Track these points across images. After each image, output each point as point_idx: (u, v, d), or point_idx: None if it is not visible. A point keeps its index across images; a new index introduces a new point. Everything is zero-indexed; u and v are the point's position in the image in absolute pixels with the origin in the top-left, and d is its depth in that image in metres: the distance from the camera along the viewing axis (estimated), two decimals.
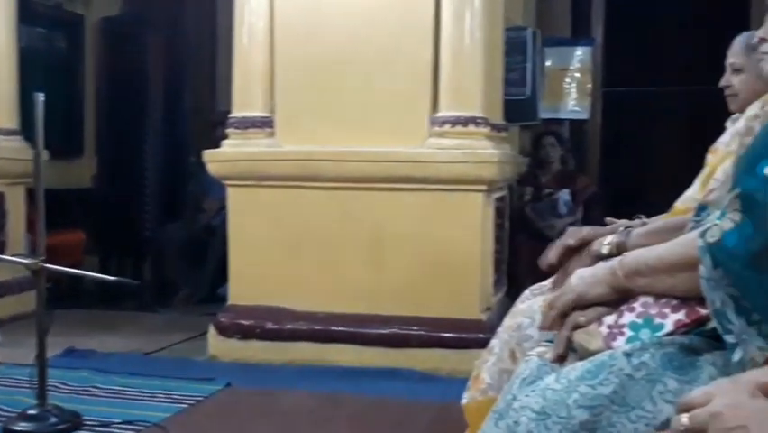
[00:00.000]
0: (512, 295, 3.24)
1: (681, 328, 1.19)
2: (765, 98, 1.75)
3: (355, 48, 3.58)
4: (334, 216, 3.65)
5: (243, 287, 3.77)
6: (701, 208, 1.37)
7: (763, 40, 1.71)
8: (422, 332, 3.54)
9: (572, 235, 1.66)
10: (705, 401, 0.81)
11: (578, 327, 1.26)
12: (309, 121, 3.66)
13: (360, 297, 3.62)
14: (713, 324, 1.10)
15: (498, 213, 3.92)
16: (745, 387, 0.81)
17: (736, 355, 1.05)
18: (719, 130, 2.11)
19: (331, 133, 3.61)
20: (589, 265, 1.45)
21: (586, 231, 1.67)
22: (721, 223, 1.09)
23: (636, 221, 1.70)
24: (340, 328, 3.61)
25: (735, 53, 2.28)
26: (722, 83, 2.30)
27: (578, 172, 5.41)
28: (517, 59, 4.55)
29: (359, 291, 3.63)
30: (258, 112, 3.73)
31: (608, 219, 1.77)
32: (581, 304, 1.29)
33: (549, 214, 4.98)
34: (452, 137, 3.52)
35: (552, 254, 1.67)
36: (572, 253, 1.66)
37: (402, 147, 3.55)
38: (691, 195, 1.87)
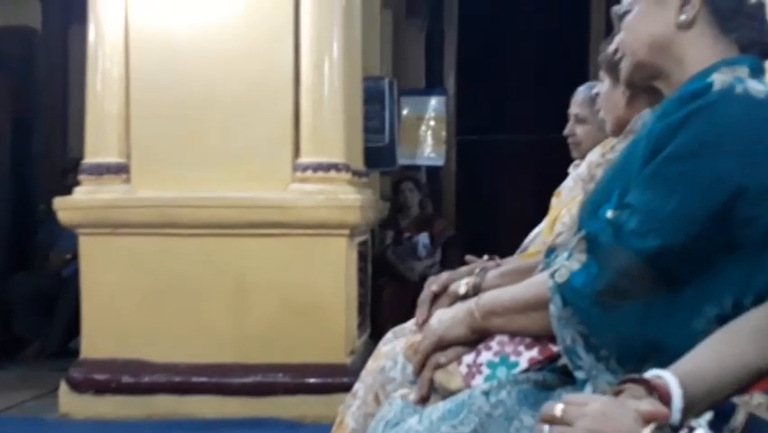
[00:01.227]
0: (375, 337, 3.27)
1: (535, 365, 1.25)
2: (606, 146, 1.89)
3: (214, 94, 3.57)
4: (195, 263, 3.57)
5: (97, 339, 3.60)
6: (551, 251, 1.44)
7: (597, 94, 1.85)
8: (286, 379, 3.51)
9: (434, 283, 1.70)
10: (583, 403, 0.85)
11: (439, 367, 1.30)
12: (167, 167, 3.59)
13: (222, 345, 3.55)
14: (564, 360, 1.16)
15: (361, 257, 3.96)
16: (627, 408, 0.85)
17: (586, 391, 1.11)
18: (564, 175, 2.25)
19: (190, 180, 3.56)
20: (449, 306, 1.50)
21: (445, 276, 1.72)
22: (569, 264, 1.16)
23: (491, 262, 1.77)
24: (202, 379, 3.51)
25: (578, 104, 2.44)
26: (566, 132, 2.45)
27: (436, 216, 5.57)
28: (376, 107, 4.66)
29: (221, 340, 3.55)
30: (112, 158, 3.62)
31: (469, 258, 1.83)
32: (442, 345, 1.33)
33: (409, 257, 5.09)
34: (315, 183, 3.55)
35: (421, 314, 1.65)
36: (437, 297, 1.69)
37: (265, 193, 3.54)
38: (540, 237, 1.97)
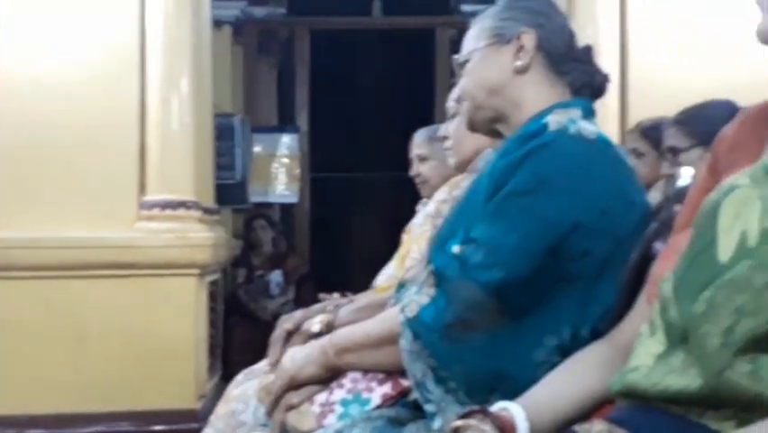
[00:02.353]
0: (227, 379, 3.19)
1: (387, 401, 1.25)
2: (452, 184, 1.95)
3: (55, 132, 3.39)
4: (33, 307, 3.35)
5: None
6: (401, 286, 1.47)
7: (445, 137, 1.92)
8: (131, 427, 3.34)
9: (287, 321, 1.68)
10: None
11: (291, 408, 1.28)
12: (4, 206, 3.37)
13: (63, 395, 3.34)
14: (416, 394, 1.17)
15: (212, 297, 3.87)
16: None
17: (436, 423, 1.12)
18: (414, 213, 2.30)
19: (27, 220, 3.35)
20: (302, 345, 1.48)
21: (299, 314, 1.70)
22: (418, 298, 1.18)
23: (344, 299, 1.77)
24: (39, 432, 3.29)
25: (418, 145, 2.54)
26: (412, 173, 2.53)
27: (289, 253, 5.53)
28: (227, 144, 4.61)
29: (62, 389, 3.34)
30: None
31: (322, 296, 1.83)
32: (295, 385, 1.31)
33: (261, 295, 5.01)
34: (163, 221, 3.44)
35: (273, 353, 1.63)
36: (291, 336, 1.67)
37: (109, 232, 3.39)
38: (392, 273, 2.00)
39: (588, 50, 1.34)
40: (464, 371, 1.12)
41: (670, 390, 0.77)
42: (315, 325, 1.61)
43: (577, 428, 0.86)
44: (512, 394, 0.98)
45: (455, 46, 1.59)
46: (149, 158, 3.48)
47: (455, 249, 1.18)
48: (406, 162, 2.63)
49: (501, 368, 1.11)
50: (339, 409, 1.25)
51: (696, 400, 0.75)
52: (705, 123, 1.94)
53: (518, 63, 1.28)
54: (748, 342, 0.71)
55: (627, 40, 3.48)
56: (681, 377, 0.76)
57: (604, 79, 1.33)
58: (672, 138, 2.10)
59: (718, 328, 0.72)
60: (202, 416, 3.16)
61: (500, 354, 1.12)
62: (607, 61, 1.37)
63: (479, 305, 1.12)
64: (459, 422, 0.89)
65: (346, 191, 6.63)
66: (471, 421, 0.89)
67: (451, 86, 1.92)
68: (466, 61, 1.35)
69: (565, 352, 1.07)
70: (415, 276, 1.38)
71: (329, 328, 1.57)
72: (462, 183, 1.73)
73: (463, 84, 1.37)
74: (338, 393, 1.27)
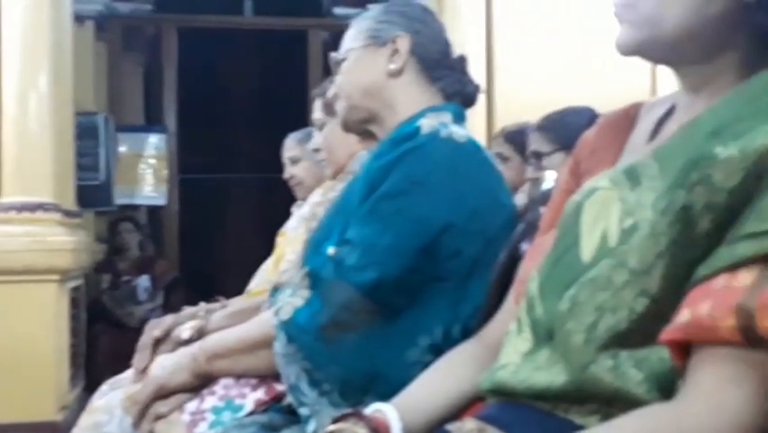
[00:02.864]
0: (90, 390, 3.06)
1: (261, 407, 1.24)
2: (327, 186, 1.95)
3: None
4: None
5: None
6: (276, 289, 1.45)
7: (317, 150, 1.93)
8: None
9: (156, 328, 1.62)
10: None
11: (160, 417, 1.24)
12: None
13: None
14: (290, 398, 1.16)
15: (74, 303, 3.70)
16: None
17: (310, 427, 1.12)
18: (288, 215, 2.28)
19: None
20: (172, 352, 1.44)
21: (168, 320, 1.65)
22: (293, 300, 1.17)
23: (216, 304, 1.73)
24: None
25: (289, 148, 2.55)
26: (286, 176, 2.53)
27: (157, 258, 5.36)
28: (90, 143, 4.42)
29: None
30: None
31: (187, 308, 1.78)
32: (163, 393, 1.27)
33: (128, 301, 4.84)
34: (19, 224, 3.26)
35: (141, 360, 1.55)
36: (159, 343, 1.62)
37: None
38: (266, 277, 1.98)
39: (462, 60, 1.38)
40: (339, 372, 1.12)
41: (536, 386, 0.79)
42: (186, 331, 1.56)
43: (449, 426, 0.87)
44: (386, 395, 0.99)
45: (328, 48, 1.59)
46: (4, 158, 3.31)
47: (330, 251, 1.19)
48: (279, 164, 2.61)
49: (375, 369, 1.12)
50: (210, 417, 1.22)
51: (562, 395, 0.77)
52: (566, 128, 2.03)
53: (392, 66, 1.30)
54: (610, 338, 0.74)
55: (493, 47, 3.60)
56: (547, 373, 0.78)
57: (475, 90, 1.37)
58: (535, 143, 2.18)
59: (582, 325, 0.75)
60: (64, 428, 3.02)
61: (374, 354, 1.12)
62: (473, 68, 1.41)
63: (353, 306, 1.13)
64: (332, 427, 0.89)
65: (217, 193, 6.49)
66: (345, 425, 0.89)
67: (320, 94, 1.92)
68: (343, 60, 1.36)
69: (438, 351, 1.09)
70: (289, 279, 1.36)
71: (200, 335, 1.53)
72: (338, 185, 1.74)
73: (339, 82, 1.38)
74: (209, 401, 1.24)
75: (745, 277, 0.64)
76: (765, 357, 0.63)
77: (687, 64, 0.81)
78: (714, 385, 0.65)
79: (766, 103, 0.71)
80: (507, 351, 0.86)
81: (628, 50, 0.81)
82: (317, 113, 1.90)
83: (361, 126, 1.38)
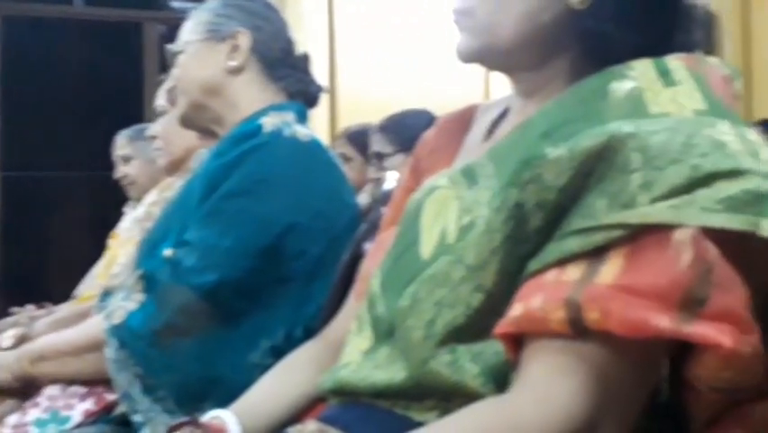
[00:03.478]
0: None
1: (89, 418, 1.18)
2: (163, 185, 1.88)
3: None
4: None
5: None
6: (106, 294, 1.38)
7: (154, 137, 1.85)
8: None
9: None
10: None
11: None
12: None
13: None
14: (123, 406, 1.11)
15: None
16: None
17: None
18: (121, 215, 2.18)
19: None
20: None
21: None
22: (125, 304, 1.12)
23: (41, 311, 1.64)
24: None
25: (120, 146, 2.44)
26: (117, 175, 2.42)
27: None
28: None
29: None
30: None
31: (14, 310, 1.68)
32: None
33: None
34: None
35: None
36: None
37: None
38: (96, 280, 1.89)
39: (305, 59, 1.36)
40: (175, 378, 1.08)
41: (377, 384, 0.79)
42: (7, 339, 1.47)
43: (290, 429, 0.86)
44: (227, 400, 0.96)
45: (165, 42, 1.53)
46: None
47: (167, 252, 1.14)
48: (110, 162, 2.49)
49: (215, 374, 1.09)
50: (34, 430, 1.15)
51: (401, 392, 0.78)
52: (406, 130, 2.07)
53: (232, 63, 1.27)
54: (448, 333, 0.75)
55: (336, 47, 3.61)
56: (387, 371, 0.79)
57: (317, 90, 1.36)
58: (377, 144, 2.21)
59: (421, 322, 0.76)
60: None
61: (214, 359, 1.09)
62: (316, 67, 1.40)
63: (191, 310, 1.09)
64: None
65: (42, 192, 6.12)
66: (185, 429, 0.85)
67: (159, 83, 1.85)
68: (180, 52, 1.31)
69: (279, 353, 1.08)
70: (122, 282, 1.30)
71: (22, 343, 1.43)
72: (175, 184, 1.68)
73: (177, 76, 1.33)
74: (33, 413, 1.16)
75: (573, 271, 0.67)
76: (594, 349, 0.66)
77: (521, 71, 0.84)
78: (543, 376, 0.66)
79: (594, 106, 0.74)
80: (349, 350, 0.86)
81: (468, 57, 0.83)
82: (160, 99, 1.82)
83: (200, 124, 1.33)
